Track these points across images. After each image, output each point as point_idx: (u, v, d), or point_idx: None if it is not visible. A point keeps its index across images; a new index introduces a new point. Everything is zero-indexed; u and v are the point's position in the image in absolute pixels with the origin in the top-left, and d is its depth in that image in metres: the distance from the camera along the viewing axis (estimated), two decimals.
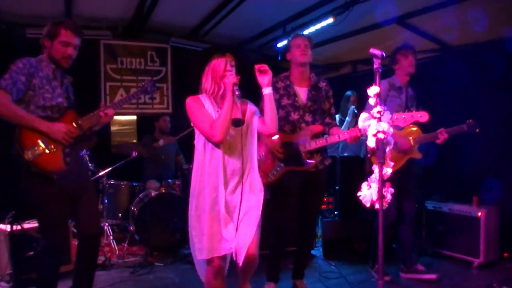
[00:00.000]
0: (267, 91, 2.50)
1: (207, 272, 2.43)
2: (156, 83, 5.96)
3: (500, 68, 4.39)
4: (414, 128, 3.70)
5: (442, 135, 3.60)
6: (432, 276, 3.78)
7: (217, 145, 2.41)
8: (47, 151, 2.57)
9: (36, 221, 3.06)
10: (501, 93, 4.54)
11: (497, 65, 4.36)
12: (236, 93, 2.40)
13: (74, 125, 2.69)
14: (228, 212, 2.39)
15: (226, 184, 2.41)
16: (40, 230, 2.84)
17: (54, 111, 2.67)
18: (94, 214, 2.92)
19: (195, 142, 2.53)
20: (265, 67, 2.49)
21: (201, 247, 2.38)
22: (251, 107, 2.60)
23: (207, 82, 2.48)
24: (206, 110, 2.45)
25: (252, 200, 2.47)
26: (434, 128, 3.63)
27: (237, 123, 2.49)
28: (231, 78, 2.38)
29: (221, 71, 2.44)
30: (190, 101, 2.47)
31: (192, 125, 2.51)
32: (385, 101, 3.70)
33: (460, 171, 4.76)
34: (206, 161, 2.43)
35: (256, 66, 2.50)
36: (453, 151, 3.73)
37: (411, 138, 3.67)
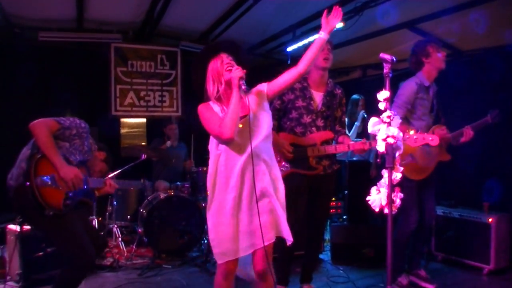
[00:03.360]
0: (322, 35, 2.41)
1: (217, 272, 2.43)
2: (166, 86, 6.07)
3: (503, 73, 4.36)
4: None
5: (467, 133, 3.34)
6: (430, 286, 3.66)
7: (227, 144, 2.33)
8: (53, 186, 2.68)
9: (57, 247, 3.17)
10: (503, 98, 4.49)
11: (499, 69, 4.33)
12: (243, 87, 2.30)
13: (83, 178, 2.84)
14: (241, 213, 2.32)
15: (239, 186, 2.32)
16: (65, 253, 2.85)
17: (71, 161, 2.84)
18: (92, 228, 3.10)
19: (209, 147, 2.48)
20: (338, 10, 2.39)
21: (216, 252, 2.36)
22: (252, 97, 2.44)
23: (209, 87, 2.43)
24: (216, 112, 2.40)
25: (268, 199, 2.36)
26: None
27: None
28: (237, 72, 2.31)
29: (220, 69, 2.39)
30: (200, 107, 2.43)
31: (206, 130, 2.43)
32: (413, 105, 3.41)
33: (461, 175, 4.70)
34: (218, 165, 2.37)
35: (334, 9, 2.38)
36: (454, 154, 3.63)
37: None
